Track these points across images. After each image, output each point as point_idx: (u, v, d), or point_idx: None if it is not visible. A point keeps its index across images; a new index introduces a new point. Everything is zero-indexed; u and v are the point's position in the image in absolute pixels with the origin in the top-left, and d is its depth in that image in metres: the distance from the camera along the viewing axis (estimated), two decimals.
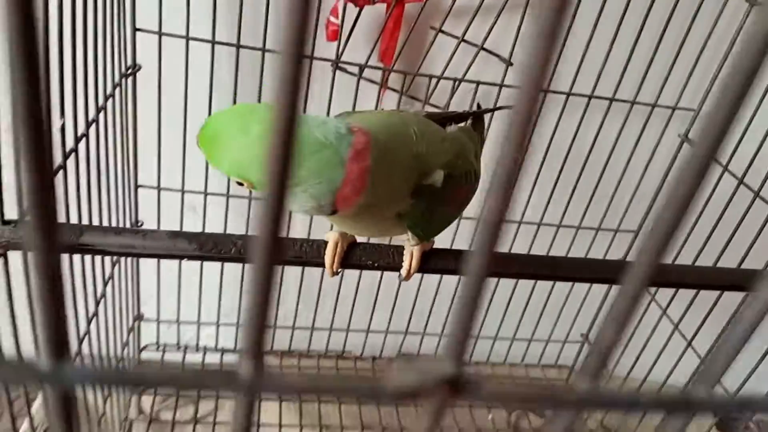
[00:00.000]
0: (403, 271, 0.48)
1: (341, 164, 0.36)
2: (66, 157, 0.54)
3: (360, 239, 0.49)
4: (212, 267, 0.90)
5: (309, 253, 0.47)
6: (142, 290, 0.92)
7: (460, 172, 0.45)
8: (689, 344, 0.87)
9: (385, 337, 1.05)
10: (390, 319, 1.02)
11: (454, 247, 0.51)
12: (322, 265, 0.47)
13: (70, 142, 0.55)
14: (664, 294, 0.93)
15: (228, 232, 0.87)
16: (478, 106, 0.62)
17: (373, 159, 0.37)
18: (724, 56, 0.83)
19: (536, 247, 0.97)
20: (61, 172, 0.53)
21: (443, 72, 0.80)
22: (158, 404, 0.96)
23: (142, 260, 0.88)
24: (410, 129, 0.42)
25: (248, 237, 0.46)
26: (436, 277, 0.98)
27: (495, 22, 0.77)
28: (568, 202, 0.94)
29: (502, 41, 0.80)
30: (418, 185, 0.42)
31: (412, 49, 0.81)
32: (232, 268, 0.91)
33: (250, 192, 0.85)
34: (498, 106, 0.62)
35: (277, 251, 0.13)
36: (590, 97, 0.84)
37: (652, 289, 0.95)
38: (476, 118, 0.58)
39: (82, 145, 0.59)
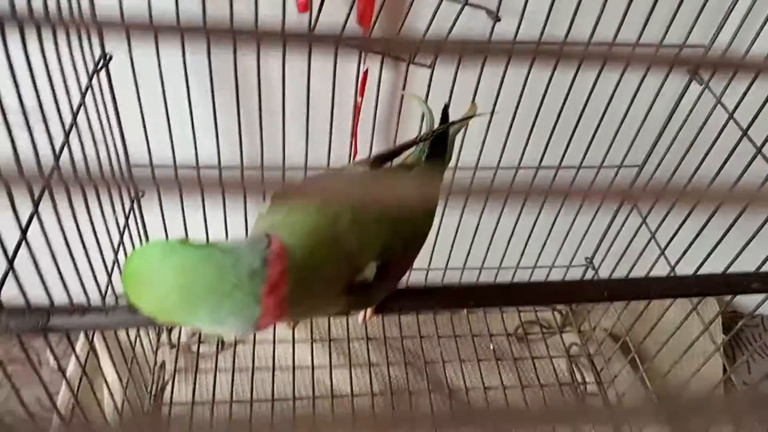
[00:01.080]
0: (360, 319, 0.50)
1: (256, 302, 0.37)
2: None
3: None
4: None
5: None
6: None
7: (401, 246, 0.45)
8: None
9: None
10: None
11: None
12: None
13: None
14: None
15: (226, 203, 0.90)
16: (445, 107, 0.59)
17: (291, 285, 0.38)
18: None
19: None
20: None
21: (426, 32, 0.75)
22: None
23: None
24: (340, 226, 0.42)
25: None
26: None
27: None
28: (568, 144, 0.91)
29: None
30: (349, 284, 0.42)
31: (392, 9, 0.75)
32: None
33: (242, 161, 0.85)
34: (455, 120, 0.58)
35: None
36: (587, 44, 0.78)
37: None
38: (436, 138, 0.56)
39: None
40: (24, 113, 0.52)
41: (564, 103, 0.84)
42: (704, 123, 0.83)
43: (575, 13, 0.75)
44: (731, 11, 0.77)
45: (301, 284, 0.39)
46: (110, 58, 0.72)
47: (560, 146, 0.91)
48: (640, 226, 0.97)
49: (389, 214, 0.44)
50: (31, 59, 0.53)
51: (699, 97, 0.84)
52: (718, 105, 0.80)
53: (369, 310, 0.49)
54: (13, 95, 0.51)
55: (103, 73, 0.72)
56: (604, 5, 0.74)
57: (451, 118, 0.74)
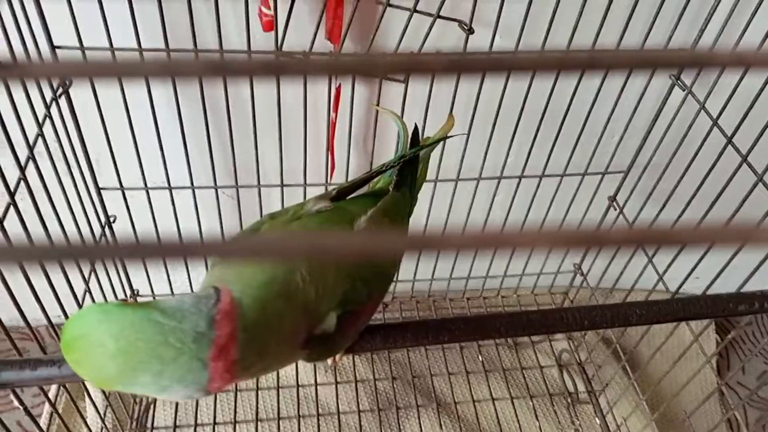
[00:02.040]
0: (329, 361, 0.48)
1: (203, 367, 0.34)
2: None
3: None
4: None
5: None
6: None
7: (365, 292, 0.43)
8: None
9: None
10: None
11: None
12: None
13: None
14: None
15: (201, 223, 0.87)
16: (415, 130, 0.57)
17: (242, 345, 0.35)
18: None
19: (519, 199, 0.94)
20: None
21: (397, 47, 0.73)
22: None
23: None
24: (297, 276, 0.39)
25: None
26: None
27: None
28: (551, 151, 0.88)
29: (460, 5, 0.71)
30: (309, 336, 0.40)
31: (362, 25, 0.73)
32: None
33: (215, 180, 0.83)
34: (426, 144, 0.57)
35: None
36: (566, 50, 0.76)
37: None
38: (405, 164, 0.54)
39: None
40: None
41: (545, 110, 0.82)
42: (688, 129, 0.81)
43: (551, 22, 0.72)
44: (711, 15, 0.75)
45: (253, 343, 0.36)
46: (70, 83, 0.70)
47: (543, 154, 0.89)
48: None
49: (349, 261, 0.42)
50: None
51: (682, 103, 0.81)
52: (702, 111, 0.78)
53: (338, 358, 0.47)
54: None
55: (63, 99, 0.70)
56: (581, 13, 0.72)
57: (428, 132, 0.71)
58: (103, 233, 0.83)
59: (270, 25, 0.68)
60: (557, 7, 0.71)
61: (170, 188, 0.83)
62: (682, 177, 0.83)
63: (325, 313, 0.41)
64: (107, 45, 0.67)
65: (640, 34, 0.76)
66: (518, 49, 0.75)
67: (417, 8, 0.69)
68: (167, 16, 0.65)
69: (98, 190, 0.82)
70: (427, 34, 0.71)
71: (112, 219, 0.84)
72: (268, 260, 0.39)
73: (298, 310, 0.39)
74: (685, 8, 0.74)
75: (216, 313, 0.35)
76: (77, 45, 0.66)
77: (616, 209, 0.97)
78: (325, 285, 0.41)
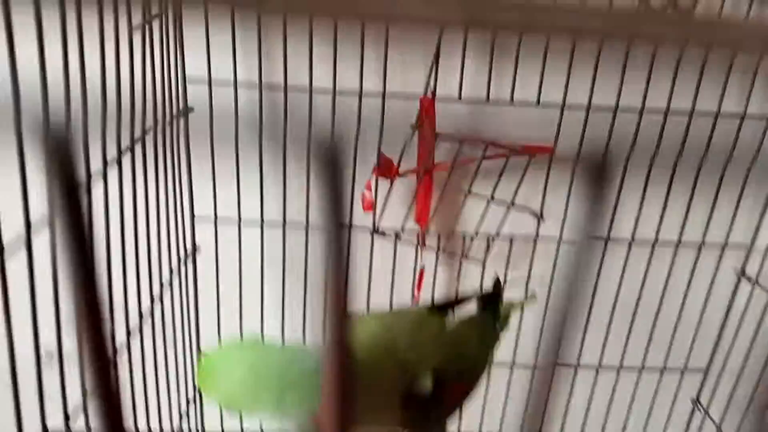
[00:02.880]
0: None
1: (317, 394, 0.39)
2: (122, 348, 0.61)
3: None
4: None
5: None
6: None
7: (455, 370, 0.47)
8: None
9: None
10: None
11: None
12: None
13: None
14: None
15: None
16: (497, 282, 0.64)
17: None
18: None
19: (598, 393, 0.94)
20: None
21: (477, 230, 0.83)
22: None
23: None
24: (396, 336, 0.45)
25: None
26: None
27: (522, 180, 0.81)
28: (626, 343, 0.91)
29: (531, 196, 0.83)
30: (407, 395, 0.44)
31: (446, 211, 0.85)
32: None
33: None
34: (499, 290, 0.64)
35: None
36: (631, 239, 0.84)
37: None
38: (490, 297, 0.60)
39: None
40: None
41: (616, 300, 0.87)
42: (759, 324, 0.83)
43: (614, 214, 0.82)
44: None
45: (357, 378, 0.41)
46: (198, 248, 0.83)
47: (618, 344, 0.91)
48: None
49: (444, 339, 0.47)
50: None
51: (750, 297, 0.85)
52: None
53: None
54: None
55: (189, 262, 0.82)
56: (640, 208, 0.82)
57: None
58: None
59: (369, 206, 0.81)
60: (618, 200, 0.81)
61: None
62: (761, 374, 0.82)
63: (421, 373, 0.45)
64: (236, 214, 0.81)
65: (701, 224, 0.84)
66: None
67: (494, 196, 0.82)
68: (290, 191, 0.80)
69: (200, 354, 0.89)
70: (504, 219, 0.82)
71: None
72: (372, 319, 0.44)
73: (395, 363, 0.44)
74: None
75: None
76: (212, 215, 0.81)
77: (700, 411, 0.94)
78: (422, 350, 0.46)
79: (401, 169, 0.80)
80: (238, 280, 0.84)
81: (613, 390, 0.94)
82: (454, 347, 0.47)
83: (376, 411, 0.43)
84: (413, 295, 0.88)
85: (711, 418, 0.93)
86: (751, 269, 0.86)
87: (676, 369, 0.93)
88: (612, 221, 0.83)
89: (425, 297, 0.89)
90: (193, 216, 0.82)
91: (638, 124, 0.77)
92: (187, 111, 0.76)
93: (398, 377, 0.44)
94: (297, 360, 0.40)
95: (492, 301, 0.60)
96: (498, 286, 0.63)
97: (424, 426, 0.45)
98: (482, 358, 0.51)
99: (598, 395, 0.94)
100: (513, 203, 0.82)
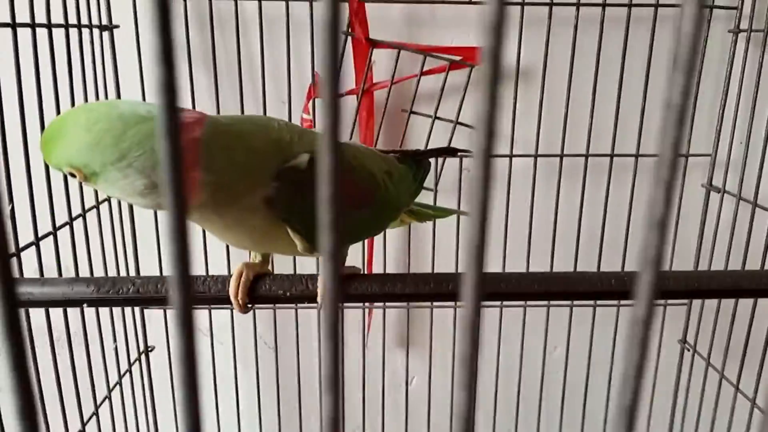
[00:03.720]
0: (319, 299, 0.44)
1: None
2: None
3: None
4: None
5: (213, 289, 0.44)
6: None
7: (345, 165, 0.43)
8: None
9: None
10: None
11: None
12: (228, 301, 0.44)
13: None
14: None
15: None
16: (430, 154, 0.60)
17: (206, 132, 0.36)
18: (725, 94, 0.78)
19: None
20: None
21: (426, 146, 0.80)
22: None
23: None
24: (273, 123, 0.42)
25: (147, 277, 0.44)
26: None
27: (463, 97, 0.78)
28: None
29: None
30: (281, 168, 0.39)
31: (391, 133, 0.81)
32: None
33: None
34: (444, 147, 0.60)
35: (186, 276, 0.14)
36: (586, 157, 0.80)
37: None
38: (423, 156, 0.57)
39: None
40: None
41: (579, 224, 0.82)
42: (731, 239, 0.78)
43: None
44: None
45: (217, 136, 0.37)
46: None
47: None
48: None
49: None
50: None
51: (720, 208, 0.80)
52: None
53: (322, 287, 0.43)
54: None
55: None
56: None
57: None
58: None
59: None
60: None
61: None
62: None
63: (298, 153, 0.40)
64: None
65: None
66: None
67: (437, 115, 0.78)
68: None
69: None
70: (450, 138, 0.79)
71: None
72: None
73: (268, 140, 0.40)
74: None
75: (186, 109, 0.37)
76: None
77: (689, 350, 0.87)
78: (303, 136, 0.41)
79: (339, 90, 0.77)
80: None
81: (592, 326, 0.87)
82: (350, 151, 0.43)
83: (243, 182, 0.38)
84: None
85: (699, 354, 0.85)
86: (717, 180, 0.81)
87: (658, 304, 0.86)
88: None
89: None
90: None
91: (576, 25, 0.75)
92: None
93: (271, 151, 0.39)
94: (137, 107, 0.35)
95: (419, 162, 0.56)
96: (429, 155, 0.59)
97: (301, 209, 0.39)
98: (379, 177, 0.46)
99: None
100: (458, 121, 0.79)
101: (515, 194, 0.81)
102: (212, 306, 0.79)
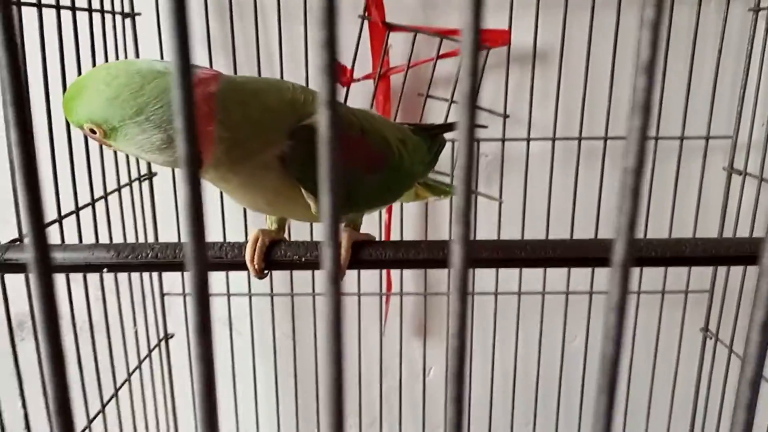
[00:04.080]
0: (342, 260, 0.44)
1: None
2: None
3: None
4: None
5: (230, 254, 0.45)
6: None
7: (354, 124, 0.43)
8: None
9: None
10: None
11: None
12: (245, 267, 0.45)
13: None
14: None
15: None
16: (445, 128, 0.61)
17: (222, 87, 0.37)
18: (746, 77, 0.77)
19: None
20: None
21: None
22: None
23: None
24: (287, 84, 0.42)
25: (165, 243, 0.45)
26: None
27: (480, 81, 0.78)
28: None
29: (495, 97, 0.80)
30: (295, 127, 0.40)
31: (407, 117, 0.82)
32: None
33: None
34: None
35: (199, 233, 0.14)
36: (606, 139, 0.79)
37: None
38: (438, 130, 0.58)
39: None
40: None
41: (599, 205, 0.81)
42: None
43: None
44: None
45: (233, 92, 0.38)
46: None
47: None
48: None
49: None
50: None
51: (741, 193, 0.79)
52: None
53: (343, 251, 0.43)
54: None
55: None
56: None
57: None
58: None
59: None
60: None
61: None
62: None
63: (312, 113, 0.40)
64: None
65: None
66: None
67: (454, 99, 0.78)
68: None
69: None
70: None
71: None
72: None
73: (283, 100, 0.40)
74: None
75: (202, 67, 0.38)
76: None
77: (711, 338, 0.85)
78: (316, 98, 0.42)
79: (356, 74, 0.78)
80: None
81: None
82: (364, 117, 0.44)
83: (256, 131, 0.38)
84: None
85: (722, 342, 0.83)
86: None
87: (679, 291, 0.85)
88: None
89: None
90: None
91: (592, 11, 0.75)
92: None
93: (286, 111, 0.40)
94: (154, 64, 0.36)
95: (434, 136, 0.56)
96: (444, 129, 0.59)
97: (315, 167, 0.40)
98: (391, 141, 0.46)
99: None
100: (476, 105, 0.78)
101: (533, 178, 0.81)
102: (229, 270, 0.79)
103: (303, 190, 0.41)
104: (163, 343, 0.86)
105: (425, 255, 0.44)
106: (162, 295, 0.86)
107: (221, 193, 0.74)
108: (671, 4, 0.74)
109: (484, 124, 0.78)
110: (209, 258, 0.45)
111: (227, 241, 0.46)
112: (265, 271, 0.45)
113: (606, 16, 0.75)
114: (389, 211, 0.84)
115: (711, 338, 0.86)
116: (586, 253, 0.45)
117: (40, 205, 0.15)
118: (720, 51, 0.76)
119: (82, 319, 0.64)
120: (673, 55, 0.76)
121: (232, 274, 0.84)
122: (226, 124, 0.37)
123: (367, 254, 0.45)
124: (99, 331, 0.67)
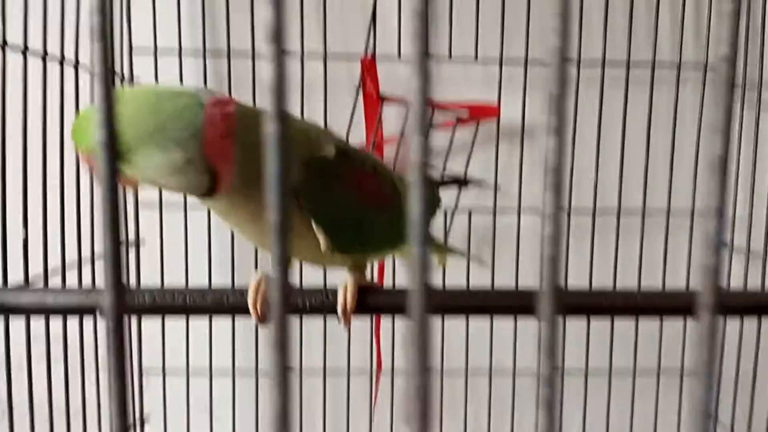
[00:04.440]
0: (339, 309, 0.42)
1: (200, 106, 0.36)
2: None
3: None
4: None
5: (232, 300, 0.43)
6: None
7: (361, 158, 0.44)
8: None
9: None
10: None
11: None
12: (247, 311, 0.43)
13: None
14: None
15: None
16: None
17: (239, 110, 0.38)
18: None
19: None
20: None
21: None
22: None
23: None
24: (297, 118, 0.43)
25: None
26: None
27: (471, 152, 0.79)
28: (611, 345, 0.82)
29: (484, 167, 0.81)
30: (309, 157, 0.40)
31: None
32: None
33: None
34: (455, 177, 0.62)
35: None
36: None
37: None
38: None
39: None
40: None
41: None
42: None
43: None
44: None
45: (248, 116, 0.38)
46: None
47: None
48: None
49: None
50: None
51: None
52: None
53: (349, 297, 0.41)
54: None
55: None
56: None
57: None
58: None
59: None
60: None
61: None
62: None
63: (325, 145, 0.41)
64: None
65: None
66: None
67: (445, 171, 0.79)
68: None
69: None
70: (458, 193, 0.79)
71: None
72: None
73: (297, 128, 0.40)
74: None
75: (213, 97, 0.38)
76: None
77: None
78: (327, 134, 0.42)
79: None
80: None
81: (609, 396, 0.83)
82: (374, 159, 0.45)
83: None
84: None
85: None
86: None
87: (674, 369, 0.84)
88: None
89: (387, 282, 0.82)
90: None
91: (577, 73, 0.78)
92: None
93: (299, 140, 0.40)
94: (170, 87, 0.36)
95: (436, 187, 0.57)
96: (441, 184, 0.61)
97: (328, 201, 0.39)
98: (393, 180, 0.46)
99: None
100: (466, 178, 0.80)
101: (524, 252, 0.80)
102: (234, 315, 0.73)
103: (314, 224, 0.40)
104: (138, 426, 0.80)
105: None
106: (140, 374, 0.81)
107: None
108: (651, 83, 0.78)
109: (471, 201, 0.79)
110: (210, 303, 0.43)
111: (233, 287, 0.44)
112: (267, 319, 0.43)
113: (591, 96, 0.78)
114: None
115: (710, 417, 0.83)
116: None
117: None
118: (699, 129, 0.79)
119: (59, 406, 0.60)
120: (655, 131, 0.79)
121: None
122: (245, 144, 0.37)
123: (372, 301, 0.43)
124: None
